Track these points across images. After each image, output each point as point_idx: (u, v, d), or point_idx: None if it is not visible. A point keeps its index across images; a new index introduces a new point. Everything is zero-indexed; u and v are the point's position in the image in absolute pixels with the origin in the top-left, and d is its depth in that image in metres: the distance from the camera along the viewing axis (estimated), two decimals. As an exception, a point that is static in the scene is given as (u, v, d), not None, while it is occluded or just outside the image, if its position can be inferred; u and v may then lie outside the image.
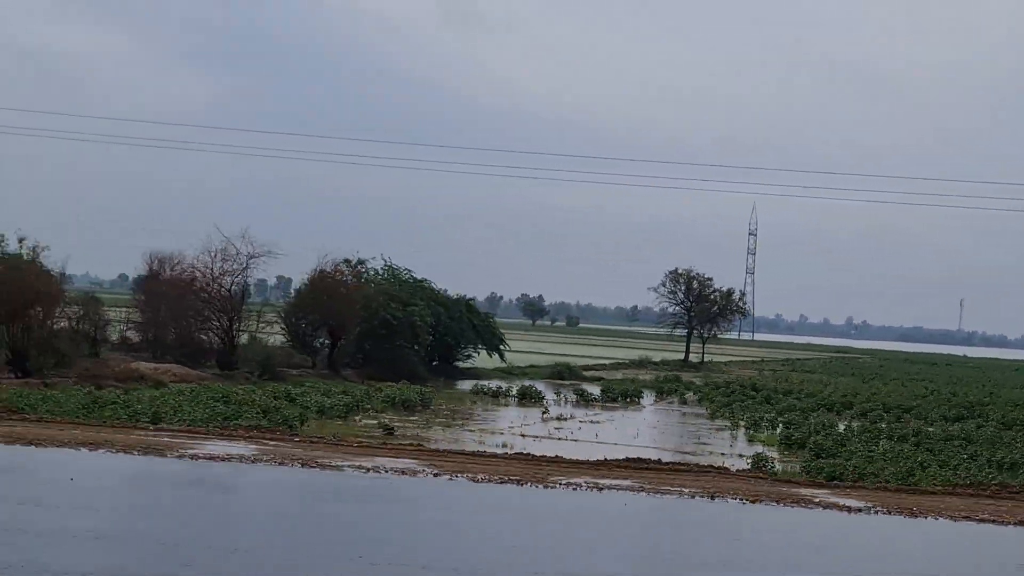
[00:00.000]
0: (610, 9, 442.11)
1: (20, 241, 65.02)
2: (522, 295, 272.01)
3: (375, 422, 35.02)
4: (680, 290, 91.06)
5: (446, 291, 62.90)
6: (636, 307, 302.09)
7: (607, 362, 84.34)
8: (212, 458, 22.55)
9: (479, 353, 64.11)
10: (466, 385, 55.99)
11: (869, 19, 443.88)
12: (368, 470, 22.15)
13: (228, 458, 22.66)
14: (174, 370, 44.36)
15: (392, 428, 32.74)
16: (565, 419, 40.85)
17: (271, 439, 26.76)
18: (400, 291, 56.71)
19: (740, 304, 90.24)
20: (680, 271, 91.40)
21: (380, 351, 54.67)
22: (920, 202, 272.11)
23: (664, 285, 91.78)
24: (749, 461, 28.28)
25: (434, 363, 60.08)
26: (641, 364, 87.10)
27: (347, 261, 58.61)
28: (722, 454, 31.68)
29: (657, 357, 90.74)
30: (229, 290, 49.27)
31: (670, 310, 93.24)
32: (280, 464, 22.25)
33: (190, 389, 39.04)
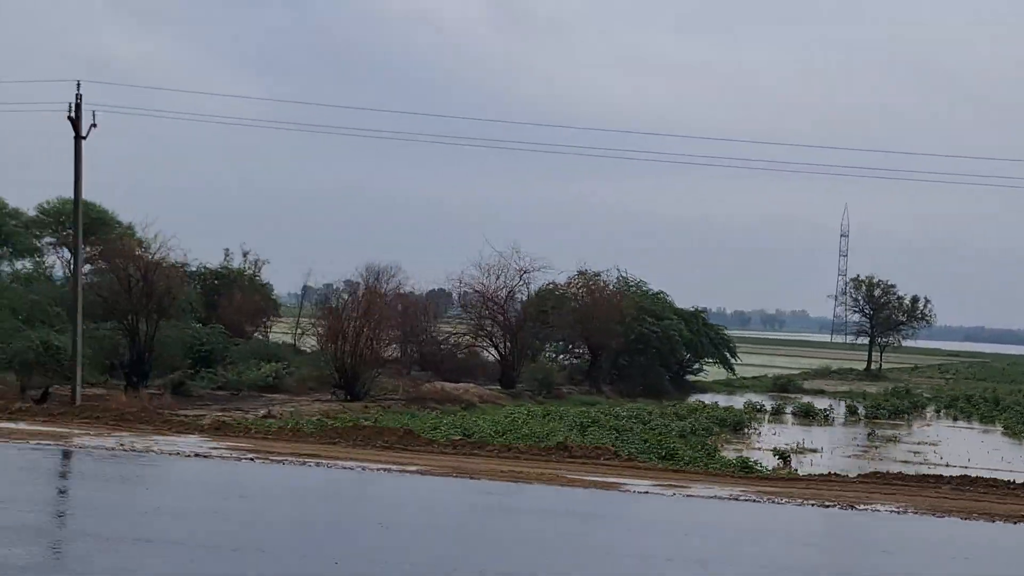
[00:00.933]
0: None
1: (244, 255, 65.20)
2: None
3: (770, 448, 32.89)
4: (862, 297, 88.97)
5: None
6: (778, 311, 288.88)
7: (790, 372, 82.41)
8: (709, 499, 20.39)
9: (713, 366, 62.64)
10: (700, 399, 54.74)
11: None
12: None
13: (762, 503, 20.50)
14: (471, 389, 43.42)
15: (787, 454, 31.15)
16: (896, 440, 39.18)
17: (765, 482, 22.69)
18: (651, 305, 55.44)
19: (925, 311, 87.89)
20: (862, 278, 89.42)
21: (634, 366, 53.47)
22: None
23: (845, 293, 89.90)
24: None
25: (667, 377, 58.73)
26: (823, 374, 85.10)
27: (582, 273, 57.44)
28: None
29: (809, 364, 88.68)
30: (503, 306, 48.17)
31: (848, 318, 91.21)
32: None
33: (526, 411, 37.97)
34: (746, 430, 39.84)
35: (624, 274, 59.30)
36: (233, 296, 56.99)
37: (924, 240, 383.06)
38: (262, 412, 33.25)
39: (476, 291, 48.51)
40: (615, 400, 49.52)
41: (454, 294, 49.81)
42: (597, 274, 57.83)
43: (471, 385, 44.19)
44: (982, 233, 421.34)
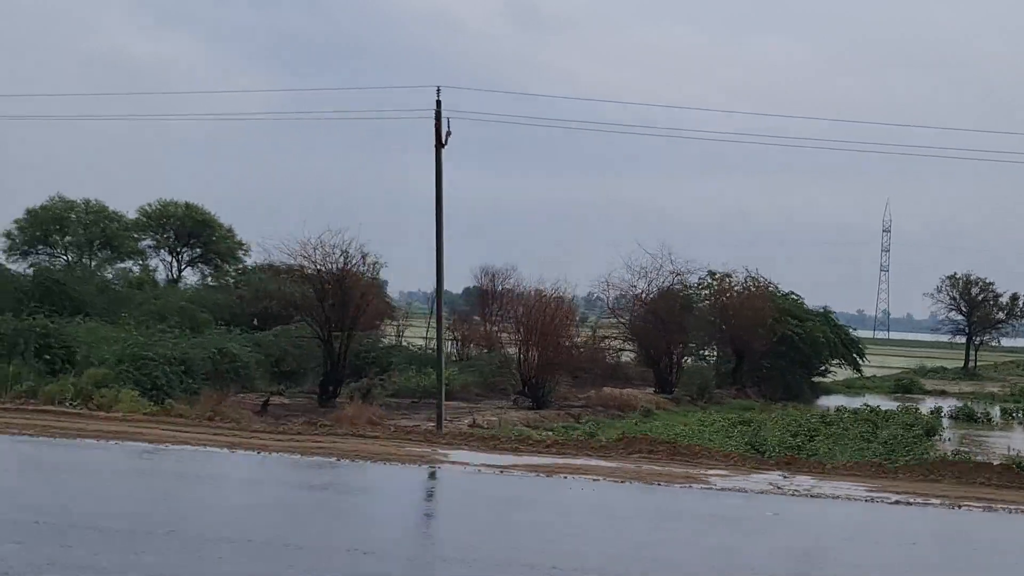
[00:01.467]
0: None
1: (363, 257, 63.81)
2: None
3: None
4: (957, 295, 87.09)
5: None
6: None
7: (890, 371, 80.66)
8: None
9: (840, 367, 61.00)
10: (830, 401, 53.30)
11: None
12: None
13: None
14: (638, 395, 42.05)
15: None
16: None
17: None
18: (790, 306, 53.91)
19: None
20: (958, 275, 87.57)
21: (775, 369, 51.99)
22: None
23: (940, 291, 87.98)
24: None
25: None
26: (921, 373, 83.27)
27: (712, 274, 55.95)
28: None
29: (892, 364, 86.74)
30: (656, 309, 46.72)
31: (941, 316, 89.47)
32: None
33: (721, 418, 36.70)
34: (939, 436, 38.22)
35: (754, 274, 57.74)
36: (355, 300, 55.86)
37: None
38: (467, 421, 31.94)
39: (634, 294, 47.10)
40: (763, 404, 48.09)
41: (604, 297, 48.43)
42: (728, 275, 56.34)
43: (636, 391, 42.83)
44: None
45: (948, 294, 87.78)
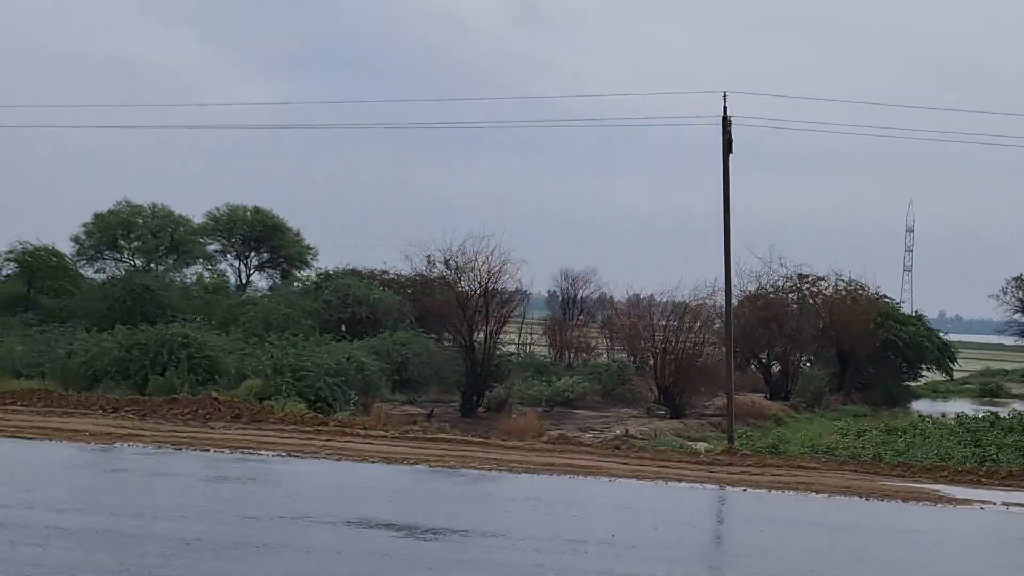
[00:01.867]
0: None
1: (446, 262, 62.22)
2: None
3: None
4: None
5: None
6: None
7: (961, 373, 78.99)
8: None
9: (931, 371, 59.46)
10: (920, 407, 51.81)
11: None
12: None
13: None
14: (765, 403, 40.64)
15: None
16: None
17: None
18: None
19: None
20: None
21: (878, 375, 50.53)
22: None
23: (1005, 292, 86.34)
24: None
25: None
26: (991, 375, 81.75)
27: (804, 277, 54.37)
28: None
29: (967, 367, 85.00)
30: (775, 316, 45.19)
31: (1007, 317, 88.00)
32: None
33: (868, 427, 35.05)
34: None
35: (845, 277, 56.15)
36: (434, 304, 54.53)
37: None
38: (617, 431, 30.43)
39: (746, 298, 45.54)
40: (870, 410, 46.69)
41: (710, 303, 46.80)
42: (821, 278, 54.81)
43: (755, 398, 41.39)
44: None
45: (1014, 296, 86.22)
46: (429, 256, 57.93)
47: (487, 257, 32.24)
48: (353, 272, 54.49)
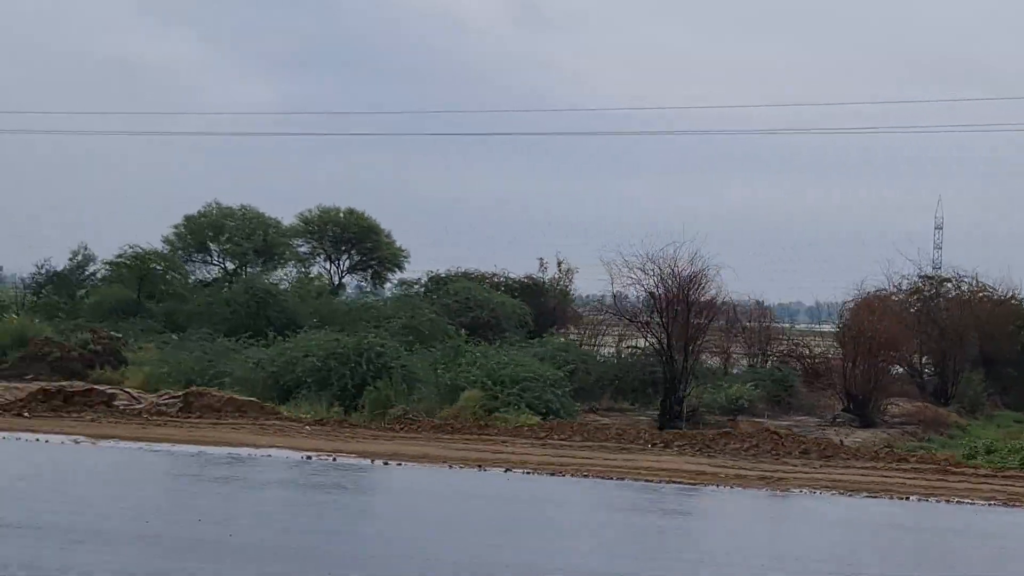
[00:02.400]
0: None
1: (559, 264, 60.12)
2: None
3: None
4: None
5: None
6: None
7: None
8: None
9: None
10: None
11: None
12: None
13: None
14: (937, 410, 38.88)
15: None
16: None
17: None
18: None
19: None
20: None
21: (1021, 378, 48.90)
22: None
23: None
24: None
25: None
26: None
27: (928, 278, 52.68)
28: None
29: None
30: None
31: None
32: None
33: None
34: None
35: (968, 277, 54.40)
36: (547, 308, 53.15)
37: None
38: (836, 441, 28.72)
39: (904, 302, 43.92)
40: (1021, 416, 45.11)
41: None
42: (946, 279, 53.13)
43: (921, 404, 39.72)
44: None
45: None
46: (541, 259, 57.28)
47: (688, 262, 30.64)
48: (465, 275, 53.01)
